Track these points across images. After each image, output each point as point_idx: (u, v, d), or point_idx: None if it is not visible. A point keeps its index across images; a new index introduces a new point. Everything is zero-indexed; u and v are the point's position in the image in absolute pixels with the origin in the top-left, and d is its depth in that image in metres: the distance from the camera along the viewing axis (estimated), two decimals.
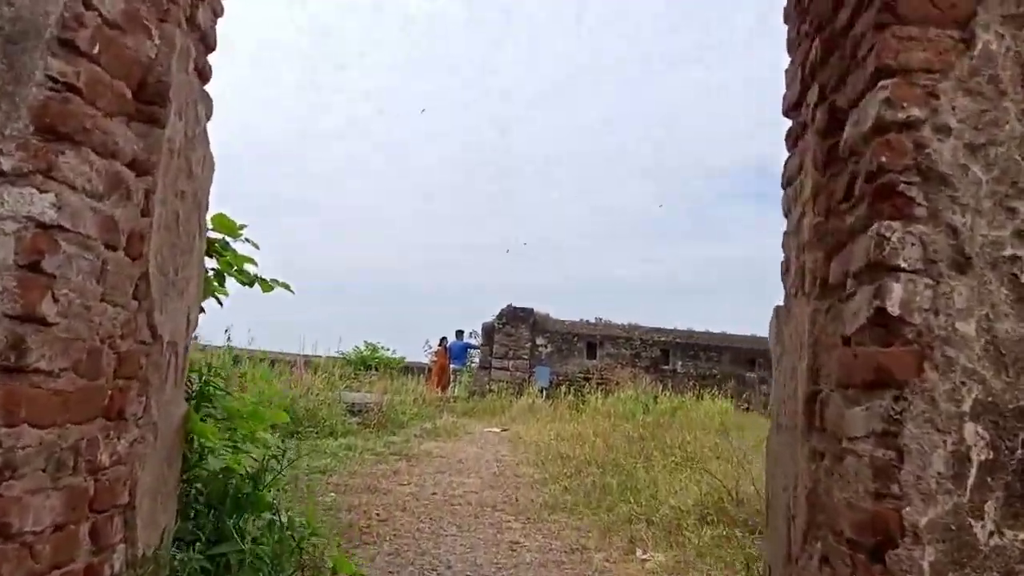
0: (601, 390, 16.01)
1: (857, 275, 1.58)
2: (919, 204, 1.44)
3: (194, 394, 2.83)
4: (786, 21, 2.40)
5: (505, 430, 12.24)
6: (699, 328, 17.17)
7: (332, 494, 5.86)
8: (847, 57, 1.74)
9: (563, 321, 17.00)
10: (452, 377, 20.66)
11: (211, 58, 2.50)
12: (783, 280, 2.43)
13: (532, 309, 16.69)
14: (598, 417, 13.18)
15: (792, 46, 2.32)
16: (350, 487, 6.30)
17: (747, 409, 15.81)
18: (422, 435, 10.40)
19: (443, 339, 22.04)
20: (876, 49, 1.51)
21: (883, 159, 1.46)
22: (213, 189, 2.68)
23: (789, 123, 2.36)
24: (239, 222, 3.12)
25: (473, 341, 20.18)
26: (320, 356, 21.66)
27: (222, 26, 2.55)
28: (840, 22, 1.79)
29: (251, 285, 3.35)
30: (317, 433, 8.72)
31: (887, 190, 1.46)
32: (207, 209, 2.70)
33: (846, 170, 1.71)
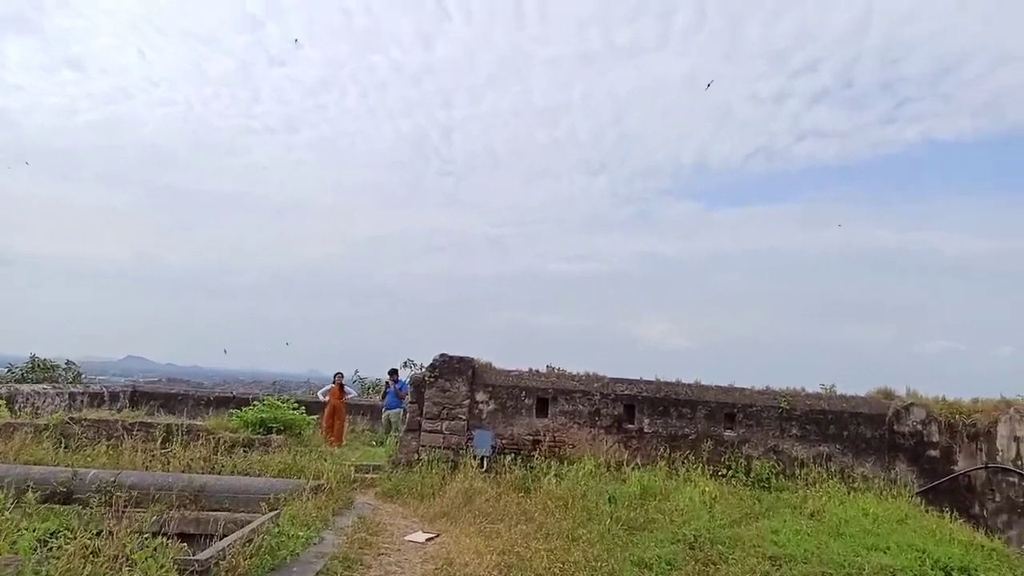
0: (555, 457, 13.21)
1: None
2: None
3: None
4: None
5: (432, 538, 9.27)
6: (669, 378, 14.53)
7: None
8: None
9: (508, 372, 14.12)
10: (391, 425, 17.57)
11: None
12: None
13: (471, 359, 13.78)
14: (552, 507, 10.33)
15: None
16: None
17: (725, 476, 13.23)
18: (328, 570, 7.36)
19: (338, 374, 18.94)
20: None
21: None
22: None
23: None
24: None
25: (405, 382, 17.15)
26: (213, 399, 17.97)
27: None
28: None
29: None
30: None
31: None
32: None
33: None
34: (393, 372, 18.83)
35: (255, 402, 14.86)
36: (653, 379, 14.48)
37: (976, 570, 8.33)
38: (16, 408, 15.31)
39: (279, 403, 14.38)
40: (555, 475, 11.84)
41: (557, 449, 13.53)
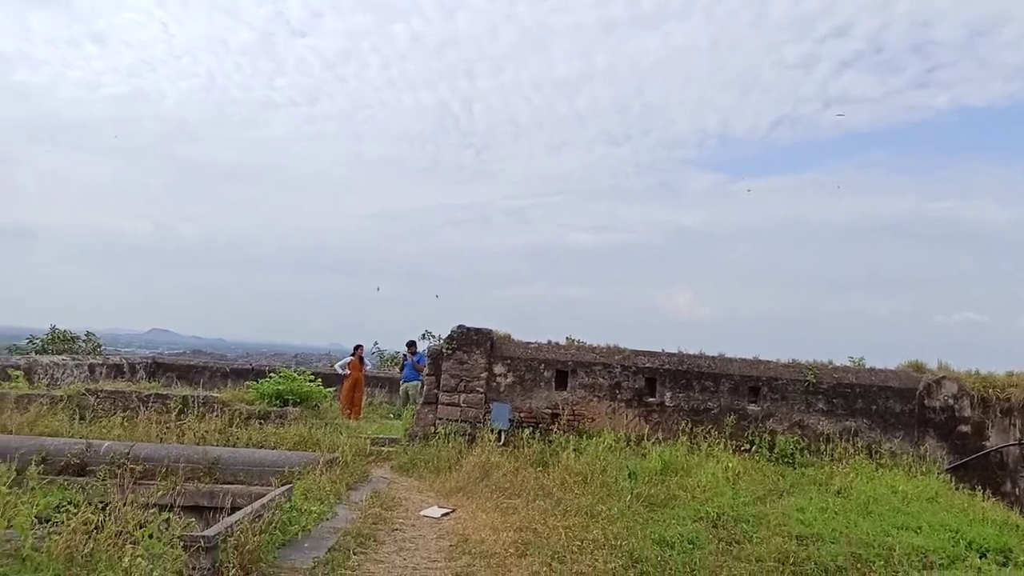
0: (574, 431, 12.96)
1: None
2: None
3: None
4: None
5: (447, 514, 9.07)
6: (692, 351, 14.17)
7: None
8: None
9: (527, 344, 13.83)
10: (408, 398, 17.43)
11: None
12: None
13: (490, 330, 13.51)
14: (570, 482, 10.09)
15: None
16: None
17: (748, 451, 12.92)
18: (341, 546, 7.18)
19: (358, 347, 18.79)
20: None
21: None
22: None
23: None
24: None
25: (423, 354, 16.95)
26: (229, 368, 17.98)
27: None
28: None
29: None
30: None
31: None
32: None
33: None
34: (411, 344, 18.65)
35: (272, 374, 14.73)
36: (675, 351, 14.14)
37: (1012, 551, 7.97)
38: (35, 379, 15.32)
39: (295, 375, 14.24)
40: (574, 449, 11.58)
41: (576, 423, 13.28)
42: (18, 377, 13.92)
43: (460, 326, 13.43)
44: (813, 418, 13.57)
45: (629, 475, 10.18)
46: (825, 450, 13.00)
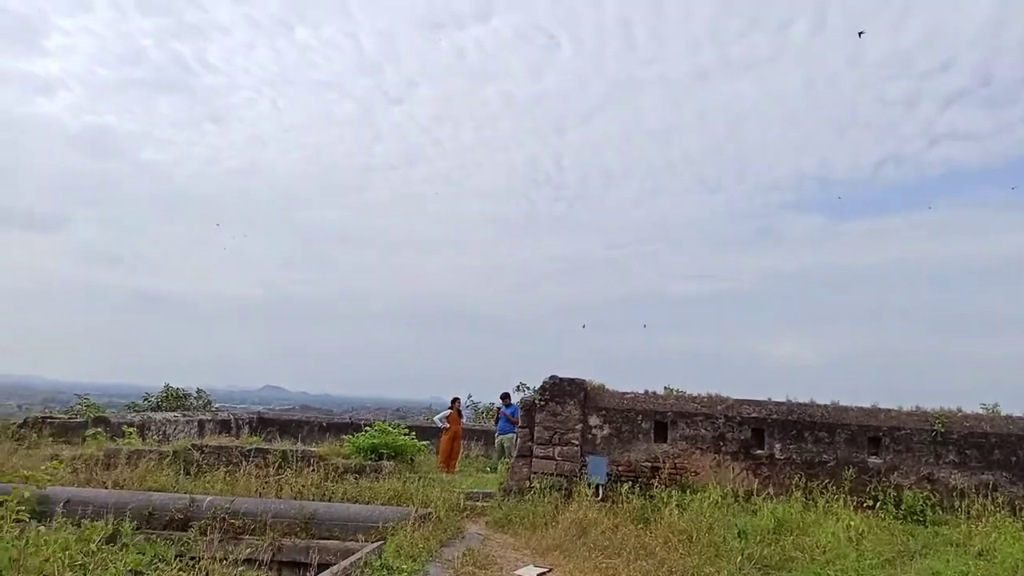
0: (676, 485, 12.26)
1: None
2: None
3: None
4: None
5: (543, 574, 8.62)
6: (801, 399, 13.26)
7: None
8: None
9: (622, 394, 13.32)
10: (503, 451, 17.15)
11: None
12: None
13: (583, 380, 13.10)
14: (674, 541, 9.44)
15: None
16: None
17: (872, 508, 11.83)
18: None
19: (455, 400, 18.70)
20: None
21: None
22: None
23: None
24: None
25: (516, 406, 16.67)
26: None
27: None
28: None
29: None
30: None
31: None
32: None
33: None
34: (505, 396, 18.42)
35: (367, 427, 14.78)
36: (783, 400, 13.27)
37: None
38: (148, 435, 15.97)
39: (390, 428, 14.22)
40: (677, 505, 10.91)
41: (678, 477, 12.58)
42: (131, 434, 14.54)
43: (552, 376, 13.09)
44: (944, 471, 12.35)
45: (739, 534, 9.45)
46: (959, 506, 11.74)
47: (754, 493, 12.00)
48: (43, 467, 7.71)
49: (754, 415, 12.99)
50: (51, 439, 14.61)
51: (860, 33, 25.91)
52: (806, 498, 11.78)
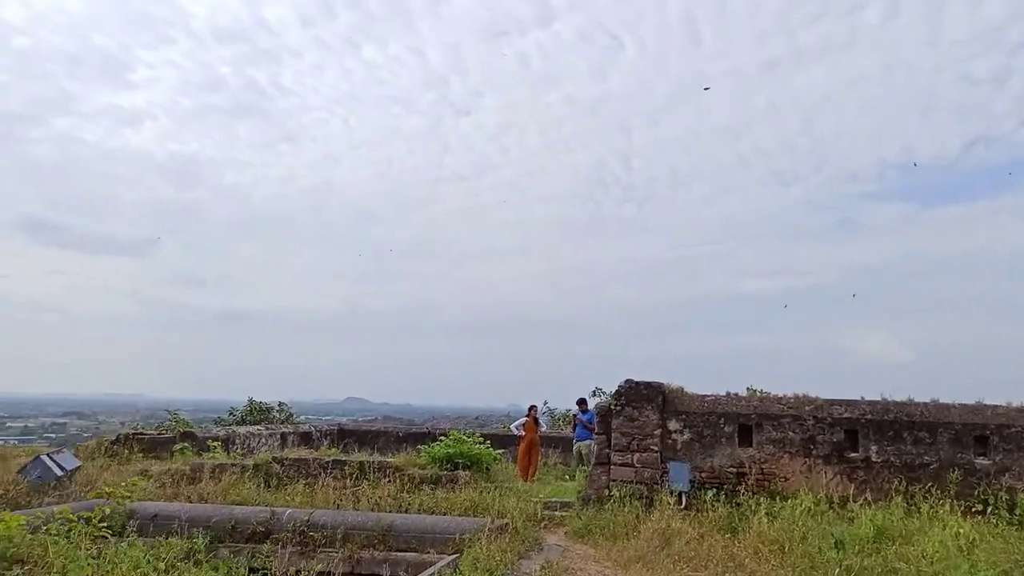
0: (764, 491, 11.65)
1: None
2: None
3: None
4: None
5: None
6: (897, 397, 12.42)
7: None
8: None
9: (703, 397, 12.77)
10: (582, 458, 16.81)
11: None
12: None
13: (660, 384, 12.64)
14: (765, 552, 8.90)
15: None
16: None
17: (982, 513, 10.93)
18: None
19: (532, 407, 18.38)
20: None
21: None
22: None
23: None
24: None
25: (592, 412, 16.30)
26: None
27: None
28: None
29: None
30: None
31: None
32: None
33: None
34: (581, 402, 18.06)
35: (442, 437, 14.70)
36: (878, 399, 12.45)
37: None
38: (233, 448, 16.34)
39: (465, 438, 14.08)
40: (766, 513, 10.33)
41: (766, 483, 11.95)
42: (216, 448, 14.88)
43: (628, 380, 12.67)
44: None
45: (836, 544, 8.83)
46: None
47: (849, 499, 11.27)
48: (123, 484, 7.87)
49: (846, 415, 12.23)
50: (141, 455, 15.10)
51: (705, 88, 24.59)
52: (907, 503, 10.98)
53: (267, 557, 9.64)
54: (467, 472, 13.17)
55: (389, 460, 13.69)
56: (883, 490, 11.60)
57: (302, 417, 25.96)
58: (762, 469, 12.10)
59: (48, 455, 12.29)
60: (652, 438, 12.41)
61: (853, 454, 12.03)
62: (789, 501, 10.88)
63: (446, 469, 13.30)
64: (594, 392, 23.34)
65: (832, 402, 12.47)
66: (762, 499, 11.14)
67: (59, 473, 11.82)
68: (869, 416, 12.16)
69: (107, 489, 7.40)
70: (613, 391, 12.97)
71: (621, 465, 12.42)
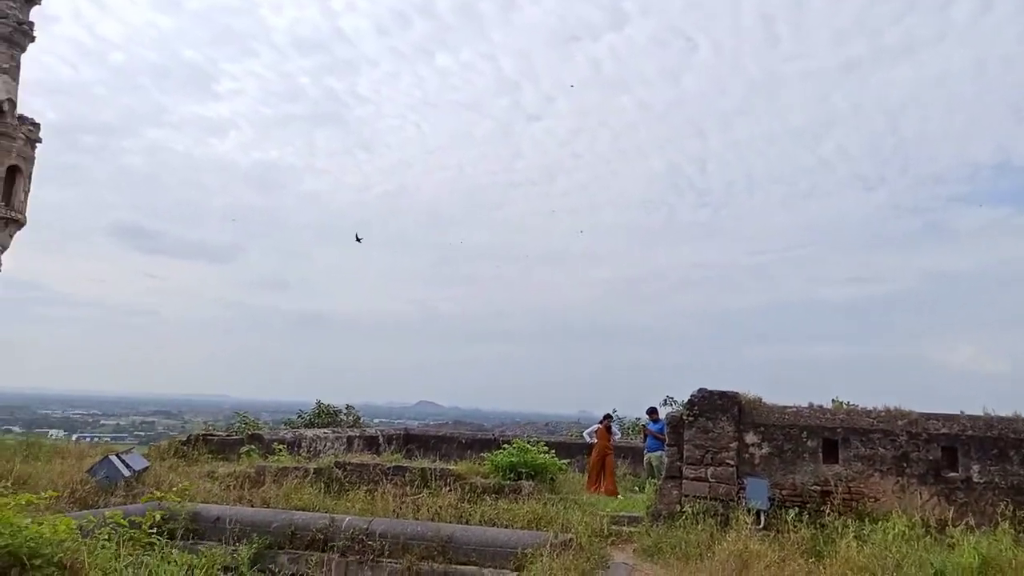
0: (851, 512, 10.76)
1: None
2: None
3: None
4: None
5: None
6: (1000, 411, 11.31)
7: None
8: None
9: (783, 409, 11.95)
10: (652, 469, 16.11)
11: None
12: None
13: (736, 393, 11.89)
14: None
15: None
16: None
17: None
18: None
19: (607, 416, 17.64)
20: None
21: None
22: None
23: None
24: None
25: (663, 421, 15.59)
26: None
27: None
28: None
29: None
30: None
31: None
32: None
33: None
34: (652, 411, 17.35)
35: (506, 444, 14.27)
36: (980, 414, 11.38)
37: None
38: (299, 452, 16.34)
39: (529, 446, 13.61)
40: (855, 536, 9.48)
41: (853, 503, 11.04)
42: (281, 451, 14.87)
43: (701, 389, 11.96)
44: None
45: (935, 574, 7.96)
46: None
47: (948, 523, 10.26)
48: (175, 488, 7.75)
49: (944, 431, 11.20)
50: (210, 456, 15.22)
51: (358, 239, 23.02)
52: (1015, 530, 9.90)
53: (326, 566, 9.40)
54: (531, 482, 12.69)
55: (451, 468, 13.35)
56: (987, 514, 10.54)
57: (374, 421, 26.05)
58: (849, 488, 11.20)
59: (117, 455, 12.45)
60: (727, 451, 11.66)
61: (952, 473, 11.00)
62: (880, 524, 9.99)
63: (509, 478, 12.85)
64: (665, 401, 22.56)
65: (928, 416, 11.45)
66: (849, 521, 10.29)
67: (127, 473, 11.95)
68: (970, 432, 11.11)
69: (158, 493, 7.30)
70: (685, 400, 12.28)
71: (694, 479, 11.71)
